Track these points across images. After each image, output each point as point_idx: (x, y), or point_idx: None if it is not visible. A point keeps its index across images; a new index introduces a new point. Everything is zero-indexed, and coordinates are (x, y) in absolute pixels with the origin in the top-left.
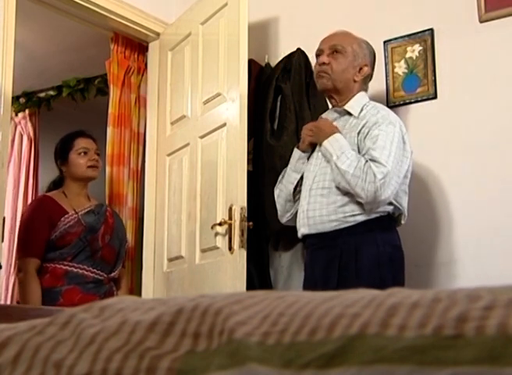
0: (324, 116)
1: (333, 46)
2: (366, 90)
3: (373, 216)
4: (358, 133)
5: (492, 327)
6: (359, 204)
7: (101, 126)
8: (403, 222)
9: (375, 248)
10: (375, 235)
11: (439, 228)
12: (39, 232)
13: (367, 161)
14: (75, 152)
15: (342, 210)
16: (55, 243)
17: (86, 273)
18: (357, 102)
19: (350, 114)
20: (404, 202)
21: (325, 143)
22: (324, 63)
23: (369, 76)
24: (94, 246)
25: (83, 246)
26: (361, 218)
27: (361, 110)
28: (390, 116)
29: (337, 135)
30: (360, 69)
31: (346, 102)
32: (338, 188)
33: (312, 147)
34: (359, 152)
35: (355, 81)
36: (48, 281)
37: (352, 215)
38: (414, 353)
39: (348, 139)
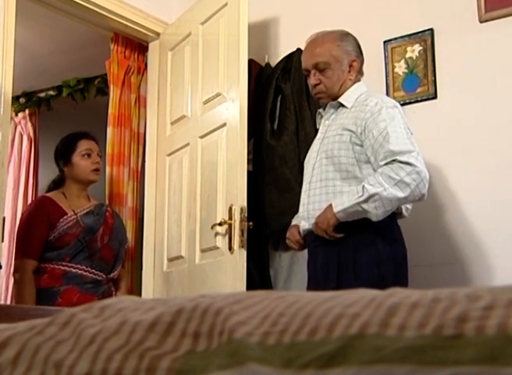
0: (321, 111)
1: (315, 65)
2: (361, 76)
3: None
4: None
5: (492, 327)
6: None
7: (101, 126)
8: (406, 214)
9: (374, 246)
10: (374, 233)
11: (439, 228)
12: (38, 233)
13: (389, 162)
14: (78, 154)
15: None
16: (53, 243)
17: (84, 273)
18: (352, 93)
19: (344, 106)
20: None
21: (338, 214)
22: (316, 85)
23: (361, 65)
24: (93, 247)
25: (82, 247)
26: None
27: (355, 101)
28: (388, 100)
29: (333, 203)
30: (350, 66)
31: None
32: (337, 181)
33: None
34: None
35: (350, 80)
36: (47, 281)
37: None
38: (414, 353)
39: (339, 126)
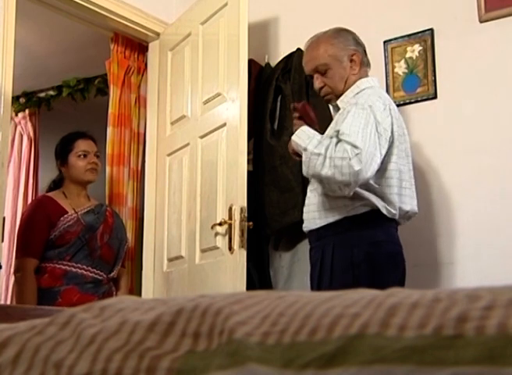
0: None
1: (316, 69)
2: (368, 68)
3: (352, 213)
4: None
5: (492, 327)
6: (337, 201)
7: (101, 126)
8: (396, 217)
9: (350, 247)
10: (352, 234)
11: (439, 228)
12: (38, 232)
13: (339, 140)
14: (74, 155)
15: (323, 207)
16: (54, 242)
17: (85, 273)
18: (350, 92)
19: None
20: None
21: (293, 137)
22: (321, 88)
23: (364, 56)
24: (93, 245)
25: (82, 245)
26: (339, 216)
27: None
28: (365, 101)
29: (303, 127)
30: (352, 61)
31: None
32: (319, 184)
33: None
34: None
35: (354, 75)
36: (47, 281)
37: (331, 212)
38: (414, 353)
39: (328, 130)
